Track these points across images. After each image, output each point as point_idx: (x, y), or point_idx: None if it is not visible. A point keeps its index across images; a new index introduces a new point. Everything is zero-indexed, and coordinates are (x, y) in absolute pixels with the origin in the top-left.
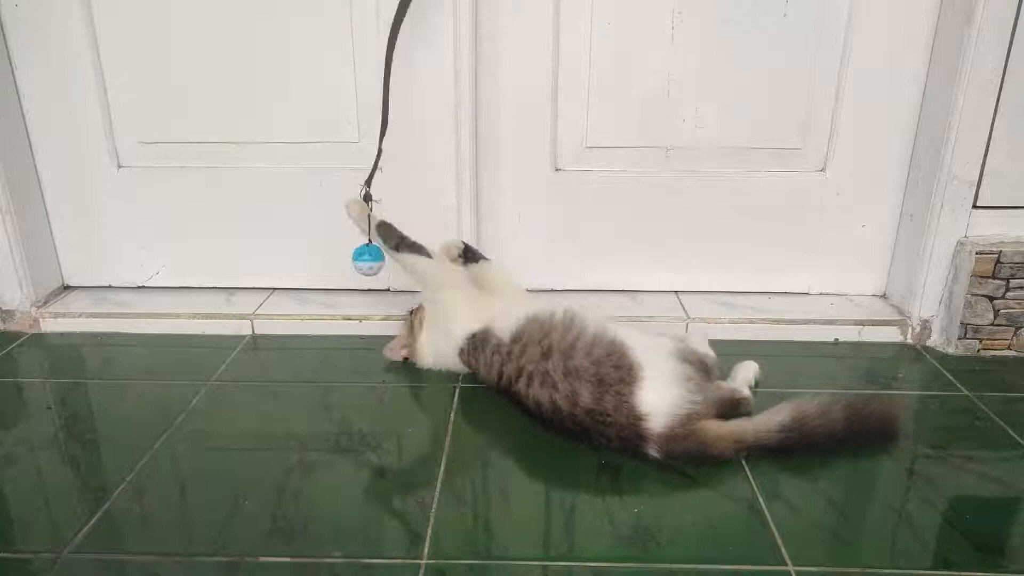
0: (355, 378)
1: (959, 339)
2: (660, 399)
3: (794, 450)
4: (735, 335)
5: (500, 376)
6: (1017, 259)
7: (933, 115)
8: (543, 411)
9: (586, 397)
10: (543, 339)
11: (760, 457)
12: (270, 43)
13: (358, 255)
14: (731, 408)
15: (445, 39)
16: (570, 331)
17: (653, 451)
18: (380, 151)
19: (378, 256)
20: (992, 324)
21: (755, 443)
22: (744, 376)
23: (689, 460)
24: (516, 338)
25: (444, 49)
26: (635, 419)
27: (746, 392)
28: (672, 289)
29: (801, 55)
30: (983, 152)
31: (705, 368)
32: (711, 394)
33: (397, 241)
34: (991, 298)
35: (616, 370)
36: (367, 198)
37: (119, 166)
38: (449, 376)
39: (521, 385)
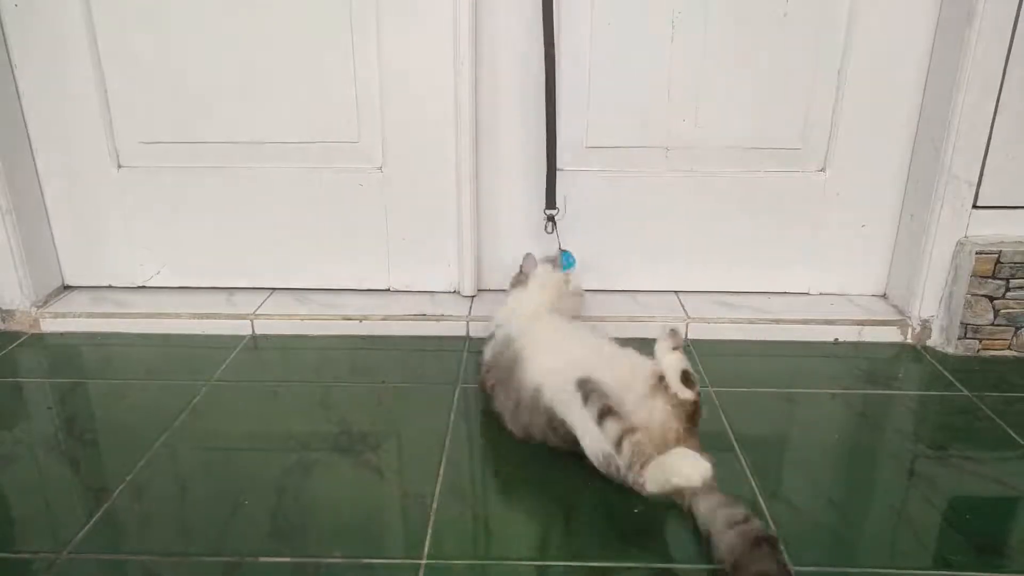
0: (355, 378)
1: (959, 339)
2: None
3: None
4: (735, 335)
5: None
6: (1017, 259)
7: (933, 115)
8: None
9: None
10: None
11: (760, 457)
12: (270, 43)
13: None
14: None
15: (445, 39)
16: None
17: None
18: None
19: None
20: (992, 324)
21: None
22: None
23: None
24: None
25: (444, 49)
26: None
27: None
28: (672, 289)
29: (801, 55)
30: (983, 152)
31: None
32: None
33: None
34: (991, 298)
35: None
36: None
37: (119, 166)
38: (449, 376)
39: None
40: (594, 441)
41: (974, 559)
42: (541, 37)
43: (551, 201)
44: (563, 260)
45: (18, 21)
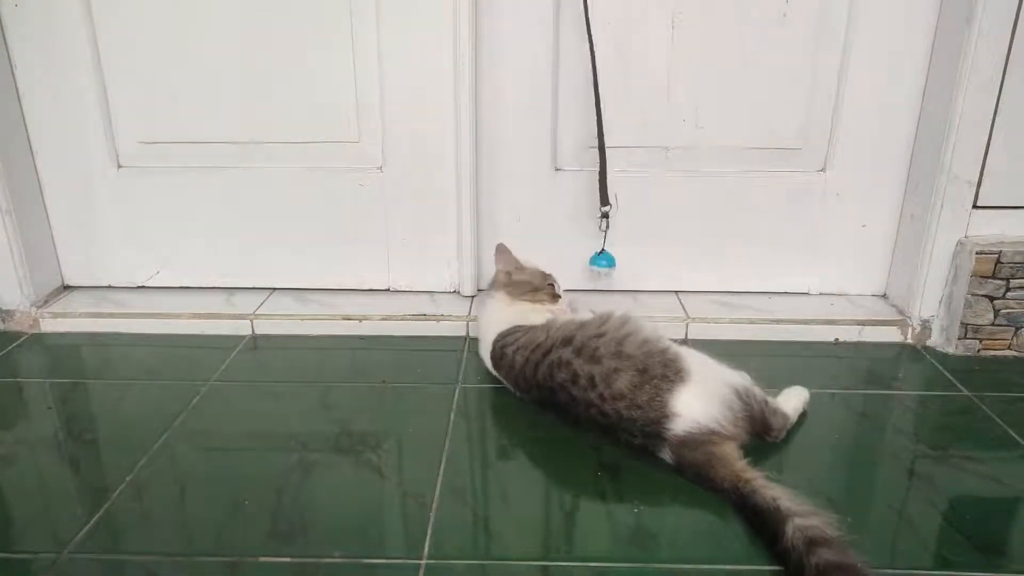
0: (355, 378)
1: (959, 339)
2: (695, 406)
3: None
4: (735, 335)
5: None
6: (1017, 259)
7: (933, 115)
8: (577, 386)
9: (623, 381)
10: (600, 325)
11: (759, 457)
12: (270, 43)
13: (595, 260)
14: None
15: (445, 39)
16: (624, 326)
17: (666, 454)
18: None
19: (612, 262)
20: (992, 324)
21: (752, 492)
22: (794, 403)
23: (693, 473)
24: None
25: (444, 49)
26: (662, 416)
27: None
28: (672, 289)
29: (801, 55)
30: (983, 152)
31: (759, 416)
32: (742, 432)
33: None
34: (991, 298)
35: (663, 367)
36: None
37: (119, 166)
38: (449, 376)
39: (566, 352)
40: (745, 380)
41: (974, 559)
42: (541, 36)
43: (604, 198)
44: (602, 260)
45: (18, 21)
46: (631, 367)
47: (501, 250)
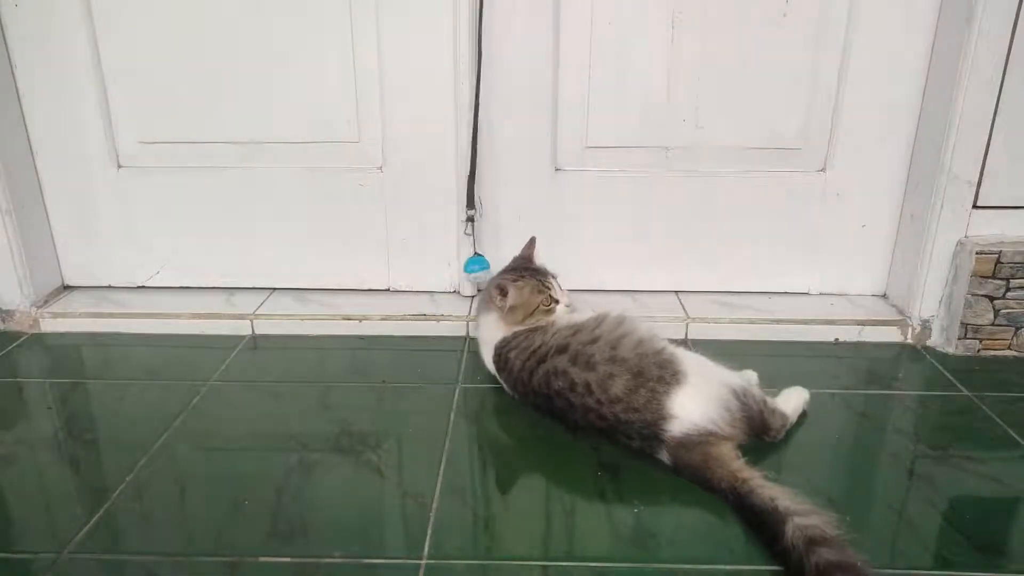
0: (355, 378)
1: (959, 339)
2: (691, 407)
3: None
4: (735, 335)
5: (537, 351)
6: (1017, 259)
7: (933, 115)
8: (574, 393)
9: (619, 385)
10: (595, 329)
11: (759, 457)
12: (270, 43)
13: (468, 266)
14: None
15: (445, 39)
16: (620, 327)
17: (664, 455)
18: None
19: (485, 265)
20: (992, 324)
21: (750, 492)
22: (793, 404)
23: (690, 474)
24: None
25: (444, 49)
26: (660, 418)
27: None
28: (672, 289)
29: (801, 55)
30: (983, 152)
31: (757, 417)
32: (739, 433)
33: None
34: (991, 298)
35: (659, 368)
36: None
37: (119, 166)
38: (449, 376)
39: (561, 361)
40: (743, 380)
41: (974, 559)
42: (542, 36)
43: (471, 200)
44: (475, 264)
45: (18, 21)
46: (626, 371)
47: (531, 243)
